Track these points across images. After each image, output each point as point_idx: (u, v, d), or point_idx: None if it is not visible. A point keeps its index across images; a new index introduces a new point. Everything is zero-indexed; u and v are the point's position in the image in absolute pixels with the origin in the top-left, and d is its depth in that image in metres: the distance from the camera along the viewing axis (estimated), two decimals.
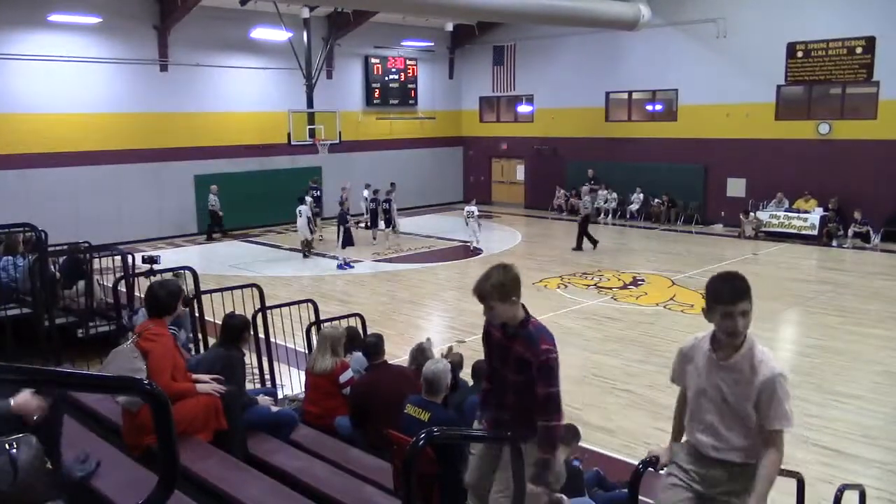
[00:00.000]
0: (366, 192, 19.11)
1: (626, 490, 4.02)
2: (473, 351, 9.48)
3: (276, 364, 7.25)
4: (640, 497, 3.44)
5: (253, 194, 20.28)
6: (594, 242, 17.52)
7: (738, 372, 2.98)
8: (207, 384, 4.54)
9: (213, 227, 19.66)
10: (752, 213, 19.15)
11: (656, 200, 21.47)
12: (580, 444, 5.72)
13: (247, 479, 4.14)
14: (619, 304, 12.61)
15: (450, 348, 7.10)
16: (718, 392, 3.03)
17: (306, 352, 7.28)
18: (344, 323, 7.87)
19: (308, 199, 17.91)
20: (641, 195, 21.82)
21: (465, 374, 7.00)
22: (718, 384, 3.03)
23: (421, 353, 5.66)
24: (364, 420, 5.13)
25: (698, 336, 3.15)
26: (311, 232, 17.49)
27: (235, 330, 5.20)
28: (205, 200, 19.91)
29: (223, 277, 13.84)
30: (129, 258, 8.79)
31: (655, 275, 14.77)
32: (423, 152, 25.37)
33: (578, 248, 17.40)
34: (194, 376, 4.56)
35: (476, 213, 18.33)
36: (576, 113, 23.45)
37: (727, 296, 2.90)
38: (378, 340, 5.54)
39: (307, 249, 17.35)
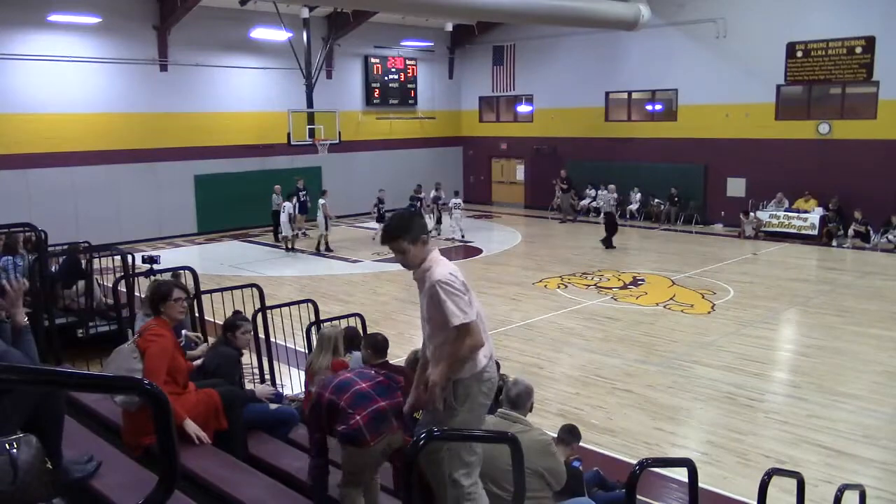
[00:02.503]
0: (434, 193, 19.86)
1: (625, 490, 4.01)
2: None
3: (276, 364, 7.24)
4: (638, 497, 3.40)
5: (253, 194, 20.26)
6: (609, 243, 17.65)
7: (421, 288, 3.52)
8: (193, 430, 4.39)
9: (278, 227, 19.48)
10: (752, 213, 19.15)
11: (656, 200, 21.45)
12: (580, 444, 5.72)
13: (247, 479, 4.14)
14: (619, 304, 12.61)
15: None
16: (421, 310, 3.58)
17: (306, 352, 7.28)
18: (344, 323, 7.87)
19: (295, 198, 18.52)
20: (639, 195, 21.81)
21: None
22: (420, 303, 3.57)
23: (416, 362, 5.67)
24: None
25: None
26: (291, 229, 17.99)
27: (226, 328, 5.29)
28: (205, 199, 20.03)
29: (223, 277, 13.85)
30: (129, 258, 8.78)
31: (655, 275, 14.77)
32: (423, 152, 25.36)
33: (609, 245, 17.49)
34: (186, 421, 4.39)
35: (461, 205, 19.37)
36: (575, 113, 23.44)
37: (380, 240, 3.63)
38: (385, 339, 5.58)
39: (289, 245, 17.97)
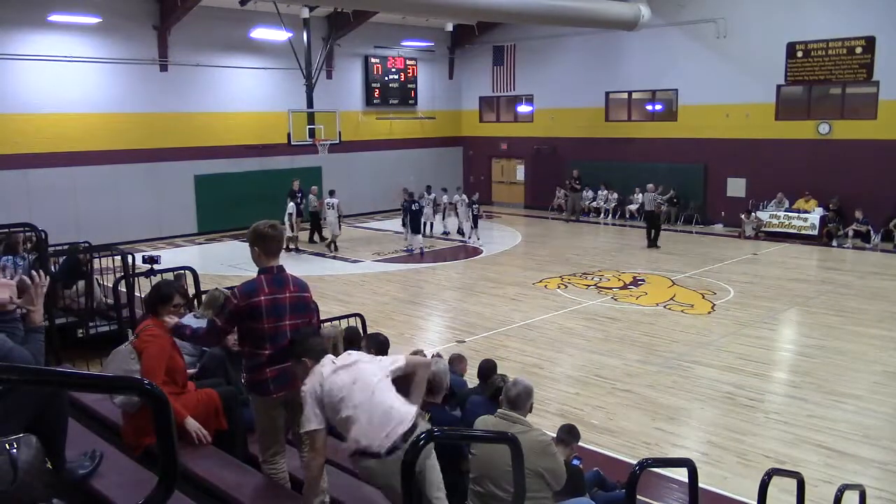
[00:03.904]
0: (456, 196, 19.79)
1: (625, 490, 4.01)
2: (473, 351, 9.49)
3: None
4: (638, 497, 3.40)
5: (253, 194, 20.26)
6: (653, 242, 17.75)
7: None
8: (194, 428, 4.40)
9: (314, 229, 19.23)
10: (752, 213, 19.15)
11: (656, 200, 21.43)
12: (580, 444, 5.72)
13: (247, 479, 4.14)
14: (620, 304, 12.61)
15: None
16: None
17: None
18: (344, 323, 7.87)
19: (295, 200, 18.32)
20: (641, 196, 21.78)
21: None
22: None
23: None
24: None
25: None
26: (292, 230, 17.80)
27: None
28: (205, 199, 20.05)
29: (223, 277, 13.86)
30: (129, 258, 8.78)
31: (655, 275, 14.77)
32: (423, 152, 25.37)
33: (654, 244, 17.69)
34: (187, 420, 4.39)
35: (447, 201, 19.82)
36: (576, 113, 23.44)
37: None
38: (386, 339, 5.61)
39: (289, 243, 17.79)
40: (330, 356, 3.79)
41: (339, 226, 18.11)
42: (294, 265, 16.45)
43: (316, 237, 19.13)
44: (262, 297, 3.98)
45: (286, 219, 17.72)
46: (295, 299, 4.09)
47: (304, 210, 18.73)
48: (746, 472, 6.43)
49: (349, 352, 3.93)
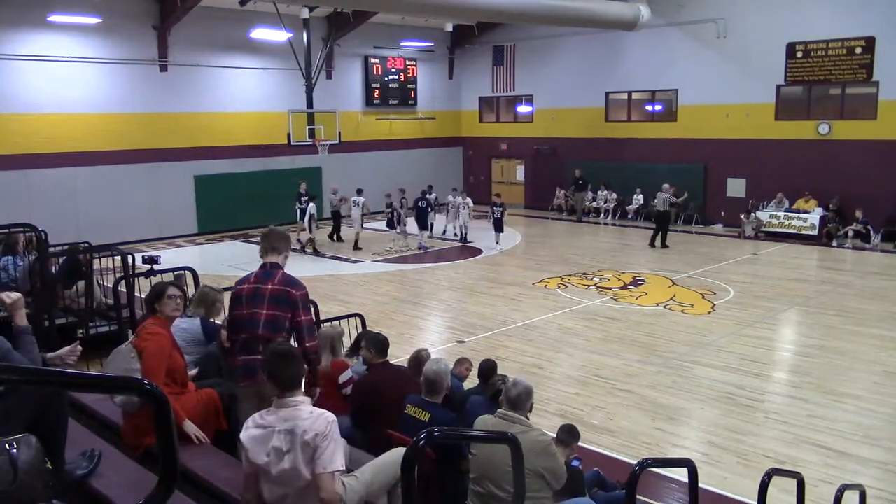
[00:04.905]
0: (459, 199, 19.76)
1: (625, 490, 4.01)
2: (473, 351, 9.50)
3: None
4: (638, 497, 3.40)
5: (253, 194, 20.27)
6: (662, 243, 17.74)
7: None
8: (192, 432, 4.39)
9: (336, 228, 19.18)
10: (752, 213, 19.15)
11: (655, 200, 21.40)
12: (579, 444, 5.72)
13: None
14: (620, 304, 12.60)
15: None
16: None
17: None
18: (344, 323, 7.86)
19: (308, 201, 18.20)
20: (642, 196, 21.78)
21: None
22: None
23: (417, 363, 5.69)
24: (366, 420, 5.13)
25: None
26: (310, 231, 17.77)
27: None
28: (205, 199, 20.04)
29: (223, 277, 13.84)
30: (129, 258, 8.77)
31: (655, 275, 14.77)
32: (423, 152, 25.37)
33: (664, 245, 17.65)
34: (185, 423, 4.37)
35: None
36: (575, 113, 23.44)
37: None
38: (386, 339, 5.62)
39: (308, 245, 17.78)
40: (304, 407, 3.31)
41: (362, 224, 18.25)
42: (297, 265, 16.45)
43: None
44: (246, 286, 4.39)
45: (307, 220, 17.61)
46: (276, 291, 4.29)
47: (319, 211, 18.65)
48: (746, 472, 6.43)
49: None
